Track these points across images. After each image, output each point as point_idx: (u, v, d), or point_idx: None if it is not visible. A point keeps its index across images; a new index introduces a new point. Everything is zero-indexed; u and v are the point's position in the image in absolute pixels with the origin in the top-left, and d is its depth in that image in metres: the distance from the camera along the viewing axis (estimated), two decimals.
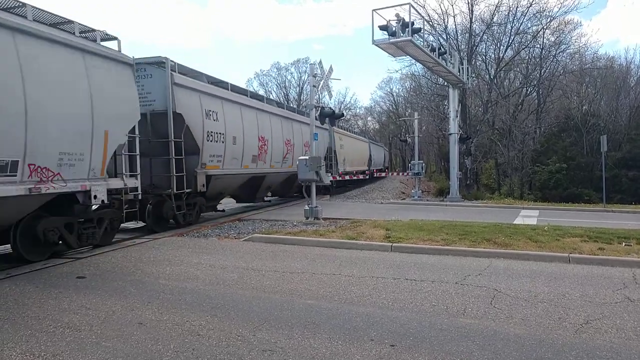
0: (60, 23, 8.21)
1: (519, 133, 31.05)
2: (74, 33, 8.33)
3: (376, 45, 16.38)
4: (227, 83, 14.23)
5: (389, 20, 15.80)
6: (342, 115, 19.41)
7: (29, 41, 7.25)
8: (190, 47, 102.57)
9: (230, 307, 5.45)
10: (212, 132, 12.65)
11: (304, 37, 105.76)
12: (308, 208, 12.91)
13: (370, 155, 37.53)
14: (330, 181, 21.43)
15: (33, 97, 7.16)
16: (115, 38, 9.35)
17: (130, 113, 9.39)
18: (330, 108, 14.93)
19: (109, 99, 8.75)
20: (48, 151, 7.52)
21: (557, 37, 31.13)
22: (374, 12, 15.75)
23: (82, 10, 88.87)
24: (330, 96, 14.67)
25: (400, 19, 15.72)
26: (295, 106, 34.90)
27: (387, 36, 16.00)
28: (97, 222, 9.07)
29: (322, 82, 13.26)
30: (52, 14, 7.98)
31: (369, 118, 76.14)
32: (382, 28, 15.89)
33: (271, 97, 63.42)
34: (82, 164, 8.23)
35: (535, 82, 32.18)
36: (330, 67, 13.48)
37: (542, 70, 31.58)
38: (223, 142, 13.22)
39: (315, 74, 13.09)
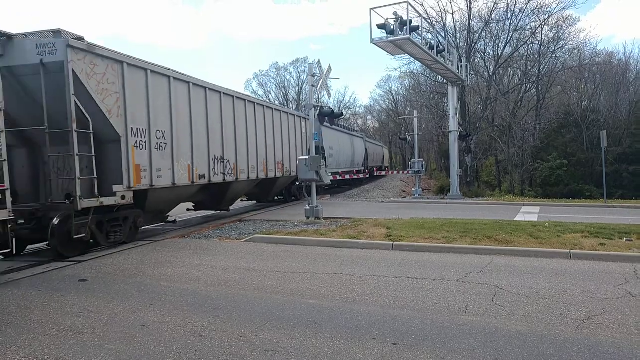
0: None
1: (519, 130, 30.99)
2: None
3: (374, 44, 16.40)
4: None
5: (387, 19, 15.82)
6: (342, 114, 19.50)
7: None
8: (187, 48, 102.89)
9: (232, 308, 5.46)
10: None
11: (301, 37, 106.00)
12: (309, 208, 12.92)
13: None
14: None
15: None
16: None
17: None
18: (329, 107, 14.97)
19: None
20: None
21: (556, 33, 31.11)
22: (371, 10, 15.78)
23: (82, 10, 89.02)
24: (329, 95, 14.76)
25: (398, 17, 15.74)
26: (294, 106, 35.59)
27: (386, 35, 16.02)
28: None
29: (320, 82, 13.28)
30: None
31: (368, 117, 76.25)
32: (380, 27, 15.91)
33: (270, 97, 63.44)
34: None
35: (534, 79, 32.09)
36: (329, 66, 13.53)
37: (541, 67, 31.51)
38: None
39: (314, 73, 13.11)
